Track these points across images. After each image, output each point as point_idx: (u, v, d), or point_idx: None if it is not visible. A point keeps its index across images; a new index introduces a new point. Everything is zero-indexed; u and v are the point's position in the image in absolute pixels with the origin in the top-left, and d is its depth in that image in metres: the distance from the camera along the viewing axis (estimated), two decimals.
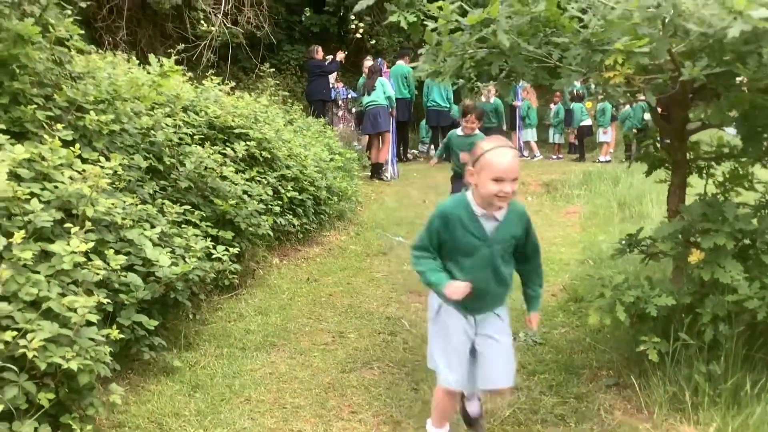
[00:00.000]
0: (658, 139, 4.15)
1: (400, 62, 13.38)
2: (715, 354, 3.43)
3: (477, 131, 6.75)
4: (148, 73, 5.18)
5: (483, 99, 12.51)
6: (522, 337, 4.60)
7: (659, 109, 11.91)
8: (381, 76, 12.14)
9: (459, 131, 6.91)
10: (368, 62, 12.57)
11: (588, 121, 15.52)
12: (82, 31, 4.62)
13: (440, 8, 3.18)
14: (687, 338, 3.47)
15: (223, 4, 13.75)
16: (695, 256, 3.34)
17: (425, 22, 3.38)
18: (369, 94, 11.76)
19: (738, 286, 3.24)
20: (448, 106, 14.14)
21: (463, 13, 3.35)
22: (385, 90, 11.77)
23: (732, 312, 3.35)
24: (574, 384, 3.90)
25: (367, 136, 12.26)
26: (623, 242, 4.09)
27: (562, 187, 10.84)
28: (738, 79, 3.34)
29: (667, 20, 2.71)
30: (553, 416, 3.57)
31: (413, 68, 3.82)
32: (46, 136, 3.73)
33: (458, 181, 6.65)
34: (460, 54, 3.25)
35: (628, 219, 8.11)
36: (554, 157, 15.97)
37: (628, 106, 14.49)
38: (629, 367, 3.86)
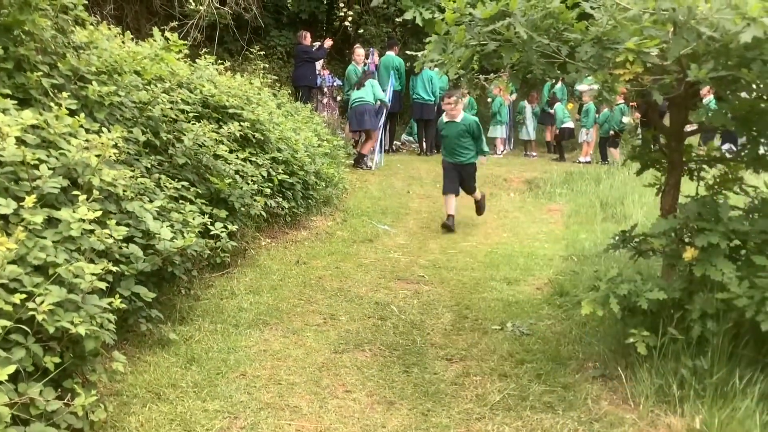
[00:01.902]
0: (654, 139, 4.26)
1: (389, 53, 13.37)
2: (702, 349, 3.53)
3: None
4: (150, 47, 5.17)
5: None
6: (510, 327, 4.70)
7: (639, 115, 12.05)
8: (373, 77, 12.07)
9: None
10: (359, 50, 12.54)
11: (570, 123, 15.60)
12: (86, 1, 4.59)
13: (453, 0, 3.24)
14: (675, 333, 3.58)
15: None
16: (690, 254, 3.44)
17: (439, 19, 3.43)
18: (358, 89, 11.71)
19: (729, 284, 3.35)
20: (432, 99, 14.19)
21: (473, 5, 3.41)
22: (375, 92, 11.68)
23: (720, 309, 3.46)
24: (561, 374, 4.00)
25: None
26: (616, 238, 4.19)
27: (544, 185, 10.97)
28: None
29: (681, 22, 2.78)
30: (541, 403, 3.66)
31: (415, 57, 3.85)
32: (51, 104, 3.72)
33: None
34: (472, 45, 3.30)
35: (609, 219, 8.26)
36: (525, 154, 15.97)
37: (607, 109, 14.65)
38: (615, 360, 3.97)
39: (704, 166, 4.22)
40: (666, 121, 4.15)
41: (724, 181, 4.07)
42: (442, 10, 3.54)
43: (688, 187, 4.12)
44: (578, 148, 15.70)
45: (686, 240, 3.74)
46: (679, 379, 3.50)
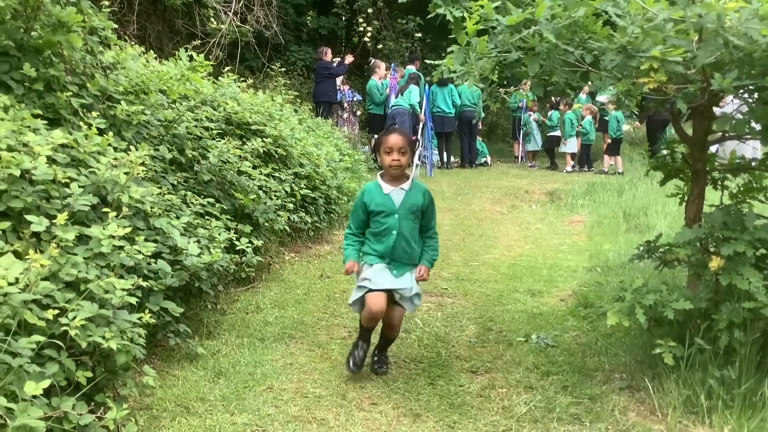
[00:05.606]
0: (678, 149, 4.25)
1: (410, 66, 13.47)
2: (730, 359, 3.50)
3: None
4: (176, 66, 5.26)
5: None
6: (534, 339, 4.69)
7: (639, 124, 12.02)
8: (417, 84, 12.49)
9: None
10: (381, 64, 12.76)
11: (558, 132, 15.66)
12: (116, 25, 4.69)
13: (482, 6, 3.26)
14: (702, 343, 3.56)
15: (233, 2, 13.82)
16: (716, 263, 3.43)
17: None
18: (397, 97, 12.28)
19: (756, 293, 3.32)
20: (452, 112, 14.26)
21: (499, 12, 3.43)
22: (410, 98, 12.16)
23: (747, 319, 3.44)
24: (587, 385, 3.98)
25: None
26: (641, 248, 4.18)
27: (566, 196, 10.95)
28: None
29: (708, 30, 2.79)
30: (568, 415, 3.64)
31: (437, 67, 3.88)
32: (81, 124, 3.80)
33: None
34: (495, 55, 3.32)
35: (633, 229, 8.22)
36: (530, 165, 16.01)
37: (589, 116, 14.79)
38: (642, 371, 3.94)
39: (728, 175, 4.21)
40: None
41: (748, 190, 4.05)
42: (470, 13, 3.55)
43: (711, 196, 4.11)
44: (598, 158, 15.72)
45: (712, 249, 3.72)
46: (707, 390, 3.48)
